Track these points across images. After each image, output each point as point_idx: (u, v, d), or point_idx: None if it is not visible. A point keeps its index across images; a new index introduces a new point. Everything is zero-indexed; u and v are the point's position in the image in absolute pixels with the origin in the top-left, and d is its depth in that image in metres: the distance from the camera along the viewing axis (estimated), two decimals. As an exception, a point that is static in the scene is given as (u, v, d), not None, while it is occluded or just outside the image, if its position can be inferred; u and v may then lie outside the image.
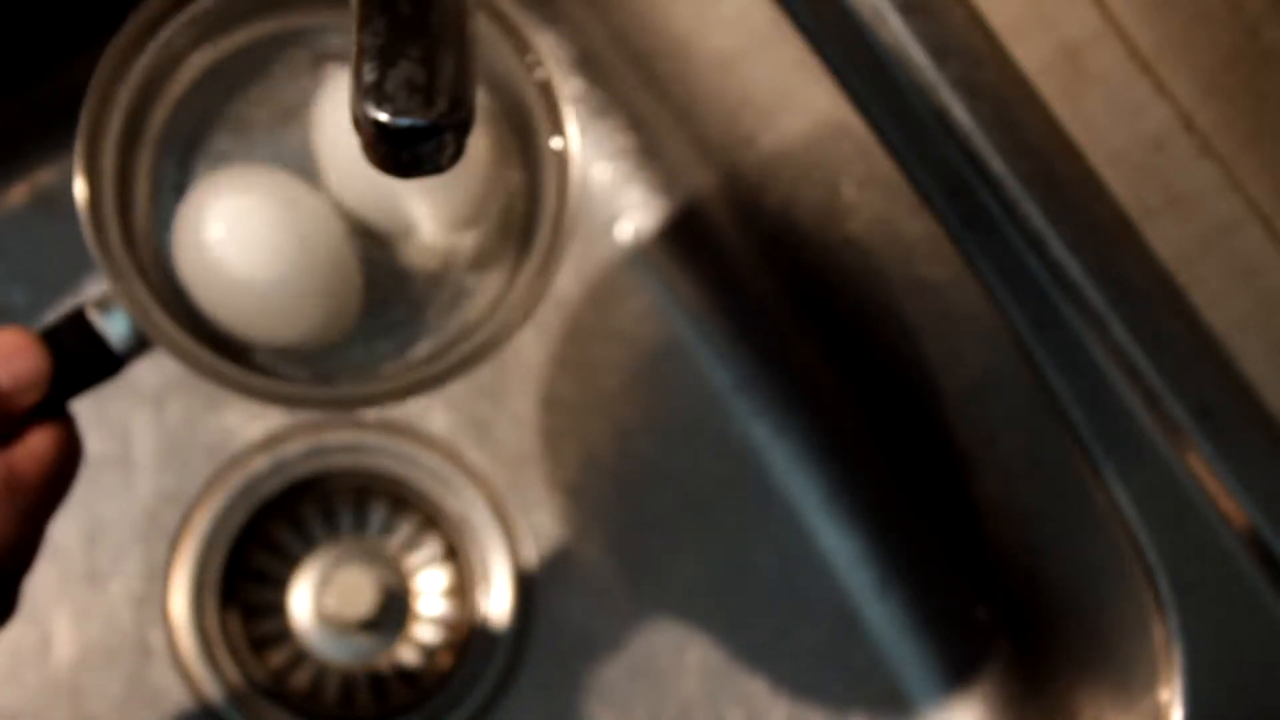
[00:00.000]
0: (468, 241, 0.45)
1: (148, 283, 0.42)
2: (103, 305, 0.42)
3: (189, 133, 0.44)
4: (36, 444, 0.41)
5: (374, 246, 0.44)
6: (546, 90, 0.44)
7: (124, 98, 0.42)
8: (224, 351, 0.43)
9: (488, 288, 0.45)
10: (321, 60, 0.44)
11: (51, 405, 0.42)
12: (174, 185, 0.44)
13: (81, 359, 0.42)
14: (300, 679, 0.60)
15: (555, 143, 0.44)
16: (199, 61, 0.44)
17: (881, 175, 0.50)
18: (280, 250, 0.42)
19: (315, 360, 0.44)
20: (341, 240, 0.43)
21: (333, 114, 0.43)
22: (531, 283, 0.44)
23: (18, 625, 0.58)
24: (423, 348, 0.44)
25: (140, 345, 0.42)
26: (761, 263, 0.62)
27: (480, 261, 0.45)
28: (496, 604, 0.61)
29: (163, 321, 0.41)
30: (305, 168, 0.44)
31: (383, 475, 0.61)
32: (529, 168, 0.45)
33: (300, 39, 0.44)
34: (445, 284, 0.45)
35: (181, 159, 0.44)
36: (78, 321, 0.42)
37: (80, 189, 0.41)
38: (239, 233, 0.41)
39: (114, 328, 0.42)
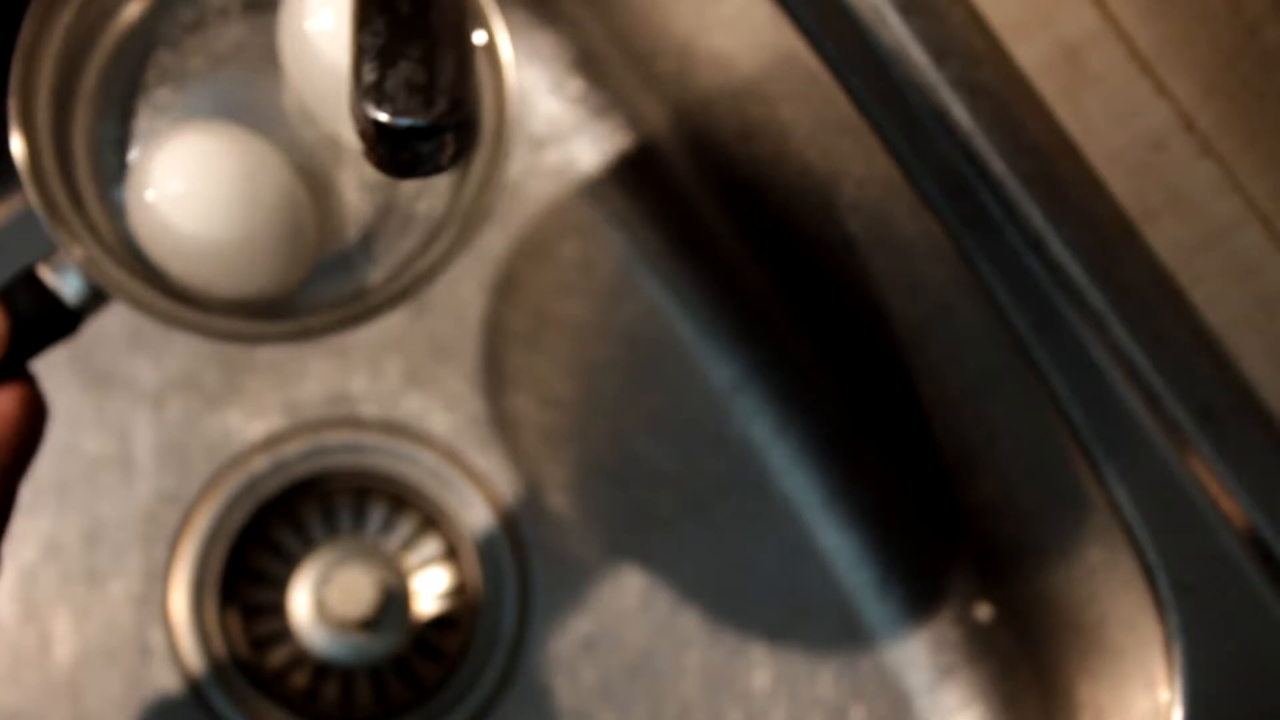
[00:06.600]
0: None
1: (98, 238, 0.42)
2: (54, 263, 0.42)
3: (125, 86, 0.43)
4: (1, 404, 0.41)
5: (324, 184, 0.44)
6: None
7: (55, 52, 0.42)
8: (182, 301, 0.42)
9: (434, 210, 0.44)
10: (252, 7, 0.44)
11: (11, 366, 0.42)
12: (114, 140, 0.43)
13: (37, 318, 0.42)
14: (300, 678, 0.60)
15: (479, 36, 0.43)
16: (130, 14, 0.43)
17: (881, 175, 0.50)
18: (234, 204, 0.41)
19: (272, 302, 0.44)
20: (293, 187, 0.43)
21: (298, 10, 0.42)
22: (477, 196, 0.43)
23: (17, 625, 0.59)
24: (376, 275, 0.44)
25: (95, 300, 0.42)
26: (761, 263, 0.62)
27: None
28: (496, 603, 0.61)
29: (113, 270, 0.41)
30: (245, 115, 0.43)
31: (383, 475, 0.61)
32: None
33: None
34: (393, 213, 0.44)
35: (120, 113, 0.43)
36: (30, 281, 0.42)
37: (18, 146, 0.41)
38: (192, 189, 0.41)
39: (67, 284, 0.42)
